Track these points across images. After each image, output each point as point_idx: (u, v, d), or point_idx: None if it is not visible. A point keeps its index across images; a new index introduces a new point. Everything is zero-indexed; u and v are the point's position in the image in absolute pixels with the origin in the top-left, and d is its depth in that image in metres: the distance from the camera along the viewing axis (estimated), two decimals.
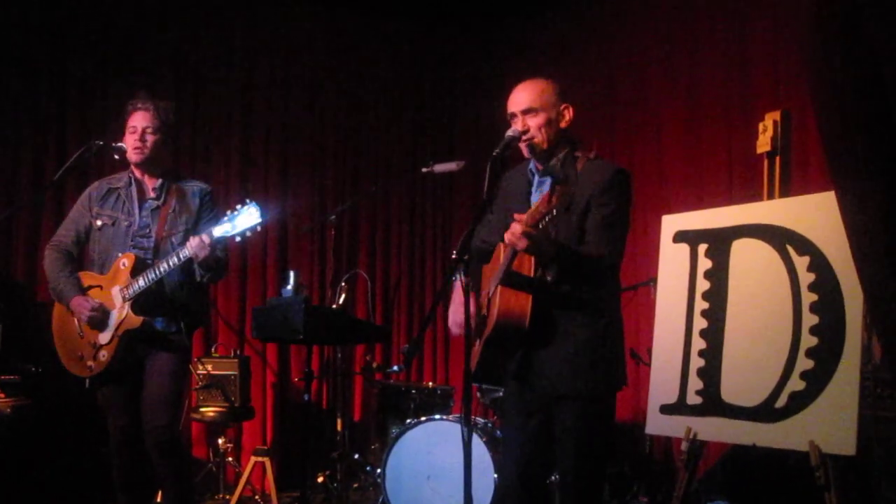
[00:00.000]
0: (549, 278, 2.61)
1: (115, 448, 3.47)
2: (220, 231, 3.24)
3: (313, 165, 5.99)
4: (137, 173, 3.56)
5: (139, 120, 3.47)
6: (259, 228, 3.24)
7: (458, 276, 2.62)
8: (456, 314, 2.91)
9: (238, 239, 3.24)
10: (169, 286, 3.44)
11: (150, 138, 3.47)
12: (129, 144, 3.47)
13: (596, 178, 2.68)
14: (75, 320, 3.46)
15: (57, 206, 4.92)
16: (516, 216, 2.49)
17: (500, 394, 4.30)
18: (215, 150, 5.68)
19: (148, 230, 3.49)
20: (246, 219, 3.21)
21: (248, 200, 3.25)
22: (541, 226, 2.42)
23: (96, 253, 3.52)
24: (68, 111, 5.22)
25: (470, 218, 5.84)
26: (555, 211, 2.37)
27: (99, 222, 3.52)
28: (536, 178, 2.83)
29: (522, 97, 2.77)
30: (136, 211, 3.51)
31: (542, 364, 2.69)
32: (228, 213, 3.25)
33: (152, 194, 3.54)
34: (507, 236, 2.52)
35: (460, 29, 6.44)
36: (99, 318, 3.38)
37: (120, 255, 3.43)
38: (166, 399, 3.38)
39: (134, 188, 3.53)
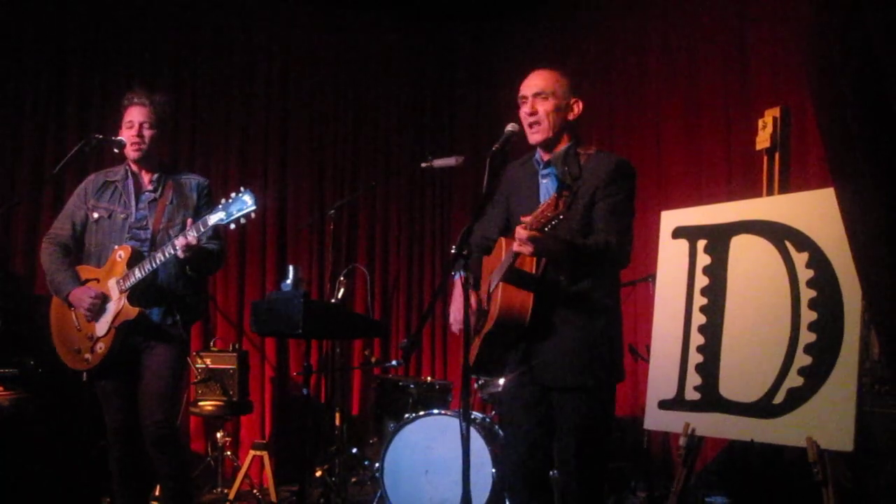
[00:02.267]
0: (563, 279, 2.59)
1: (113, 442, 3.47)
2: (214, 219, 3.22)
3: (312, 160, 5.99)
4: (134, 167, 3.56)
5: (136, 115, 3.47)
6: (253, 216, 3.20)
7: (458, 273, 2.61)
8: (457, 312, 2.91)
9: (232, 226, 3.23)
10: (166, 278, 3.44)
11: (147, 133, 3.48)
12: (127, 139, 3.47)
13: (600, 170, 2.69)
14: (72, 314, 3.46)
15: (56, 201, 4.90)
16: (522, 219, 2.48)
17: (499, 389, 4.31)
18: (215, 146, 5.68)
19: (145, 222, 3.49)
20: (239, 206, 3.20)
21: (242, 189, 3.23)
22: (546, 229, 2.42)
23: (93, 245, 3.52)
24: (67, 106, 5.21)
25: (469, 213, 5.86)
26: (561, 216, 2.38)
27: (95, 215, 3.51)
28: (541, 168, 2.83)
29: (536, 81, 2.80)
30: (133, 203, 3.50)
31: (544, 357, 2.70)
32: (223, 201, 3.23)
33: (149, 187, 3.54)
34: (515, 245, 2.51)
35: (460, 27, 6.44)
36: (99, 307, 3.38)
37: (116, 247, 3.43)
38: (164, 393, 3.38)
39: (130, 181, 3.53)
